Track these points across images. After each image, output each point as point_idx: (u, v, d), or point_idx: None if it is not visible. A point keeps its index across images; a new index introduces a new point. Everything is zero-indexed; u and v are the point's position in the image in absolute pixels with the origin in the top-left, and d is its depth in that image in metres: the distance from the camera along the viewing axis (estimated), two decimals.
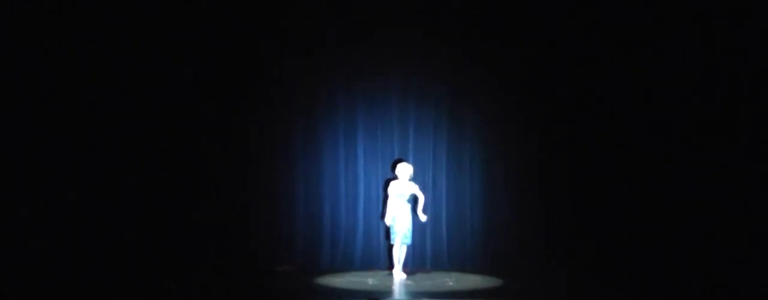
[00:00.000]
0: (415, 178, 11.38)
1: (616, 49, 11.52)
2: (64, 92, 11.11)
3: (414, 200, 11.13)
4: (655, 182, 11.40)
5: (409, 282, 10.71)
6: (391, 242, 11.08)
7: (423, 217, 11.12)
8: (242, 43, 11.62)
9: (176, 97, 11.44)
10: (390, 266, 11.18)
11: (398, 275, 10.91)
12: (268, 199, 11.75)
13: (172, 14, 11.36)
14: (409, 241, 11.04)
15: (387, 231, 11.22)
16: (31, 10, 10.98)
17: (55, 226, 10.96)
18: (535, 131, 11.84)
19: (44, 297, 9.64)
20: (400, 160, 11.43)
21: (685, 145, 11.31)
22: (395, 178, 11.23)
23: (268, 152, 11.79)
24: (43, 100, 11.04)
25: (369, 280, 10.73)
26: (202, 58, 11.50)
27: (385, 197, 11.28)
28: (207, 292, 10.01)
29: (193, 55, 11.47)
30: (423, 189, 11.50)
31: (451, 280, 10.79)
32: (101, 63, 11.20)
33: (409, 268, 11.23)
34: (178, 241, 11.31)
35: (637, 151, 11.50)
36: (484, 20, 11.76)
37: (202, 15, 11.45)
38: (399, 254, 10.98)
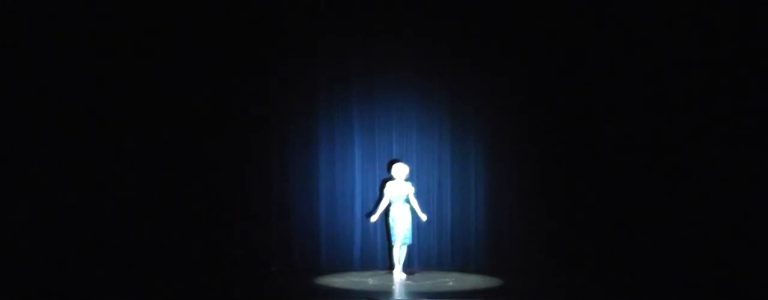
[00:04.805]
0: (418, 179, 11.40)
1: (618, 49, 11.53)
2: (64, 91, 11.08)
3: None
4: (656, 183, 11.41)
5: (409, 282, 10.71)
6: (392, 243, 11.07)
7: (423, 217, 11.12)
8: (241, 43, 11.59)
9: (174, 97, 11.41)
10: (390, 266, 11.17)
11: (398, 275, 10.90)
12: (266, 199, 11.72)
13: (172, 13, 11.33)
14: (409, 241, 11.04)
15: (387, 231, 11.20)
16: (29, 8, 10.96)
17: (54, 226, 10.91)
18: (536, 131, 11.84)
19: (44, 297, 9.61)
20: (395, 161, 11.41)
21: (685, 145, 11.32)
22: (391, 178, 11.21)
23: (266, 152, 11.77)
24: (44, 99, 11.01)
25: (369, 280, 10.72)
26: (200, 57, 11.47)
27: (380, 197, 11.26)
28: (206, 293, 9.99)
29: (192, 54, 11.44)
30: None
31: (451, 280, 10.79)
32: (100, 62, 11.17)
33: (413, 267, 11.31)
34: (176, 241, 11.29)
35: (638, 152, 11.50)
36: (486, 20, 11.76)
37: (201, 14, 11.42)
38: (399, 254, 10.97)
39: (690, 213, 11.20)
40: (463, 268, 11.64)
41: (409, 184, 11.16)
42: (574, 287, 10.48)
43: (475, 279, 10.90)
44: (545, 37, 11.72)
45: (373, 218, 11.12)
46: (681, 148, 11.36)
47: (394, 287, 10.42)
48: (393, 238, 11.01)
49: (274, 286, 10.54)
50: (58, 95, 11.05)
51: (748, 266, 10.69)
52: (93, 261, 10.83)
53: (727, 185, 11.09)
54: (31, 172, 10.94)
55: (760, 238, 10.86)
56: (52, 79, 11.03)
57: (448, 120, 11.93)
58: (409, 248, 11.19)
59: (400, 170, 11.13)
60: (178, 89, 11.41)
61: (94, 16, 11.13)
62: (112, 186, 11.18)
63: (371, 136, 11.90)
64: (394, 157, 11.69)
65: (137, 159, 11.29)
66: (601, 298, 10.04)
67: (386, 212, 11.16)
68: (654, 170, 11.42)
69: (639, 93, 11.48)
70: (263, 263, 11.48)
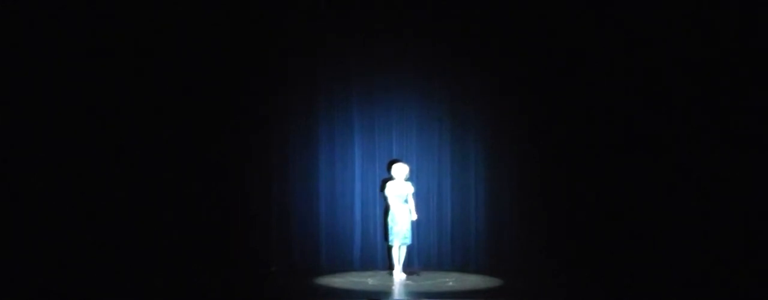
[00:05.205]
0: (418, 179, 11.40)
1: (618, 49, 11.52)
2: (64, 91, 11.07)
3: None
4: (656, 182, 11.40)
5: (409, 282, 10.71)
6: (390, 243, 11.06)
7: (414, 216, 11.10)
8: (241, 43, 11.59)
9: (174, 97, 11.41)
10: (390, 266, 11.17)
11: (398, 275, 10.89)
12: (266, 199, 11.72)
13: (172, 13, 11.32)
14: (408, 241, 11.03)
15: (386, 231, 11.20)
16: (29, 8, 10.95)
17: (54, 226, 10.90)
18: (536, 131, 11.83)
19: (44, 297, 9.61)
20: (395, 161, 11.41)
21: (685, 145, 11.32)
22: (391, 178, 11.21)
23: (266, 152, 11.77)
24: (44, 99, 11.00)
25: (369, 280, 10.72)
26: (200, 57, 11.47)
27: (385, 199, 11.25)
28: (206, 293, 9.99)
29: (192, 54, 11.44)
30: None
31: (451, 280, 10.79)
32: (100, 62, 11.17)
33: (413, 267, 11.31)
34: (176, 241, 11.28)
35: (638, 152, 11.49)
36: (486, 20, 11.75)
37: (202, 14, 11.42)
38: (399, 255, 10.96)
39: (690, 213, 11.20)
40: (463, 268, 11.64)
41: (409, 184, 11.15)
42: (574, 287, 10.48)
43: (475, 279, 10.90)
44: (545, 37, 11.72)
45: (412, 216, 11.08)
46: (681, 148, 11.35)
47: (394, 287, 10.42)
48: (392, 238, 11.00)
49: (274, 286, 10.54)
50: (58, 95, 11.05)
51: (748, 266, 10.69)
52: (93, 261, 10.83)
53: (727, 185, 11.09)
54: (31, 172, 10.93)
55: (760, 238, 10.86)
56: (52, 79, 11.02)
57: (448, 120, 11.93)
58: (409, 248, 11.18)
59: (400, 170, 11.13)
60: (178, 89, 11.41)
61: (94, 16, 11.13)
62: (112, 186, 11.17)
63: (371, 136, 11.89)
64: (394, 157, 11.68)
65: (137, 159, 11.28)
66: (601, 298, 10.03)
67: (386, 212, 11.16)
68: (654, 170, 11.42)
69: (639, 93, 11.48)
70: (263, 263, 11.48)
